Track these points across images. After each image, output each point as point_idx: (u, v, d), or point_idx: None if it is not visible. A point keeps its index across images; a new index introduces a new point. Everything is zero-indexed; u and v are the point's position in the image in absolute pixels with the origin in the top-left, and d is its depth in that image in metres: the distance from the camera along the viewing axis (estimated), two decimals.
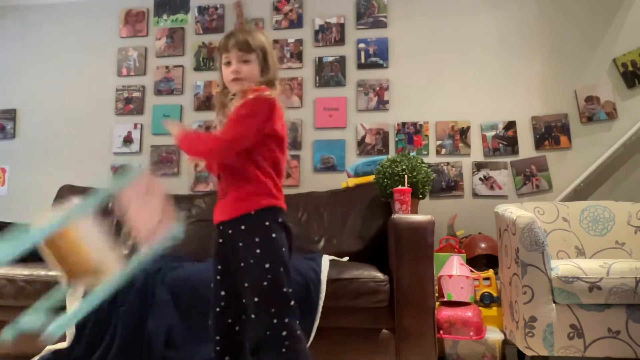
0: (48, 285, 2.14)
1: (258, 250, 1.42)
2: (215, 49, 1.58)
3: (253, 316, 1.43)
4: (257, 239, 1.43)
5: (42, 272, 2.18)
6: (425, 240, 2.00)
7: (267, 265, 1.41)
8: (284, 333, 1.39)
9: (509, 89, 3.08)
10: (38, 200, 3.27)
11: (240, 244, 1.44)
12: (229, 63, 1.55)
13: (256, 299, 1.41)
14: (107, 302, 2.06)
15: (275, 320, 1.39)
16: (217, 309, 1.52)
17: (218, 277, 1.53)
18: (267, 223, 1.44)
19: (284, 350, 1.38)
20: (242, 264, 1.44)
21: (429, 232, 2.00)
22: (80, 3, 3.57)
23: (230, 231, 1.47)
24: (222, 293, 1.51)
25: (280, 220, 1.47)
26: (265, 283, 1.40)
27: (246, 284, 1.43)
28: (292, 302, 1.44)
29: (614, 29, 3.01)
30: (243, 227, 1.44)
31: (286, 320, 1.40)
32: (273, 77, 1.56)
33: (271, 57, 1.57)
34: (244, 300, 1.47)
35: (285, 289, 1.43)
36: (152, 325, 1.98)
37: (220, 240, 1.52)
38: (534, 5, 3.12)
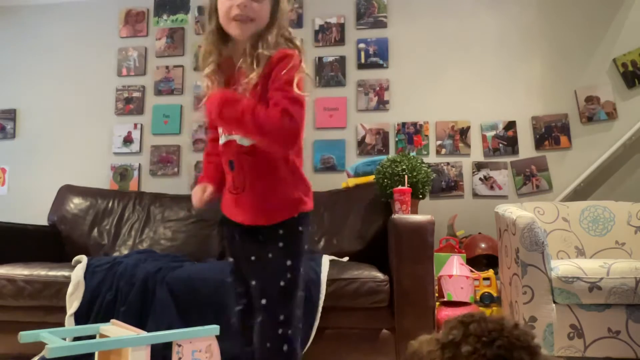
0: (48, 285, 2.14)
1: (281, 244, 1.22)
2: None
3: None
4: (280, 231, 1.22)
5: (42, 272, 2.17)
6: (425, 240, 1.99)
7: (288, 263, 1.21)
8: (285, 347, 1.19)
9: (509, 89, 3.08)
10: (38, 200, 3.27)
11: (261, 237, 1.24)
12: None
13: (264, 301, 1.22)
14: (108, 302, 2.07)
15: (280, 331, 1.20)
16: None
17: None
18: (300, 228, 1.27)
19: None
20: (252, 258, 1.24)
21: (429, 232, 2.00)
22: (80, 3, 3.57)
23: (259, 234, 1.25)
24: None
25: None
26: (282, 284, 1.21)
27: (253, 282, 1.23)
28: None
29: (614, 29, 3.01)
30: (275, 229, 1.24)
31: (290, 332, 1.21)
32: (285, 27, 1.26)
33: (283, 1, 1.26)
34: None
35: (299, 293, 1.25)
36: (152, 325, 1.98)
37: (235, 239, 1.31)
38: (534, 5, 3.12)
